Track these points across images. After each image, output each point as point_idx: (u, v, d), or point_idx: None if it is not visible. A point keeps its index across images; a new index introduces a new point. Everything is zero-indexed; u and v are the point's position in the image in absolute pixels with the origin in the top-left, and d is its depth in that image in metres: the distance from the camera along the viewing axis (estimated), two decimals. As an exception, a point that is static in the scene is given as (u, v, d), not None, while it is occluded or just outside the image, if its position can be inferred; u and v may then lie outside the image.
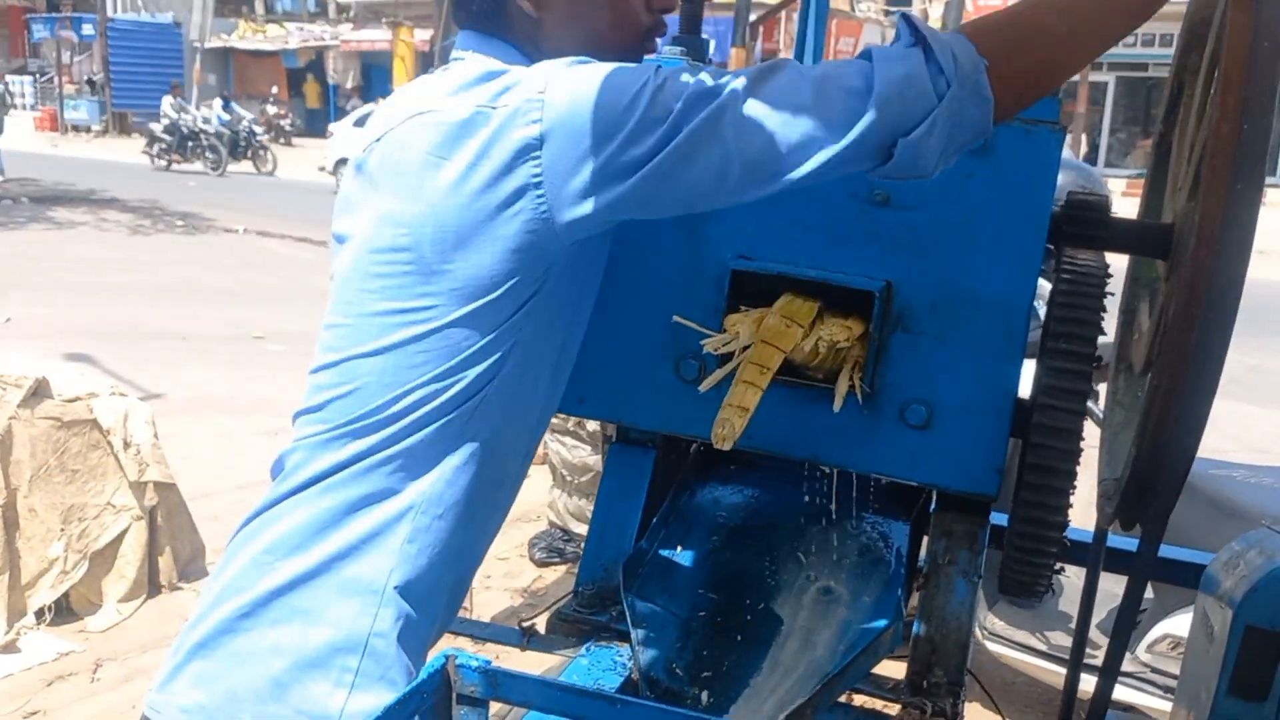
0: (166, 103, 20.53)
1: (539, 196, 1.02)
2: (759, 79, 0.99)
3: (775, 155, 0.99)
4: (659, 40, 1.24)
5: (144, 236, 13.13)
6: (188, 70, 27.80)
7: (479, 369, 1.09)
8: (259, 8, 31.02)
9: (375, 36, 25.67)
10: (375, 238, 1.09)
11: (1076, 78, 21.44)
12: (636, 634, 1.23)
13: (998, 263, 1.19)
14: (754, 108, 0.98)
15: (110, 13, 28.79)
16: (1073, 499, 1.23)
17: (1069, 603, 3.50)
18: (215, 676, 1.12)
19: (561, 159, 1.00)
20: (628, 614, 1.24)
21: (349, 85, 27.84)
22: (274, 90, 28.41)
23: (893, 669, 1.30)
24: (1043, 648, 3.26)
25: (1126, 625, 1.28)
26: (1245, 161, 0.99)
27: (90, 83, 28.32)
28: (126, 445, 3.67)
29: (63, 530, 3.58)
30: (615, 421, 1.37)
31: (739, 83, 0.99)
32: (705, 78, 1.01)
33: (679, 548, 1.36)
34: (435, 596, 1.16)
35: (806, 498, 1.38)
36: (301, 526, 1.12)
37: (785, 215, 1.25)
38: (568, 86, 1.01)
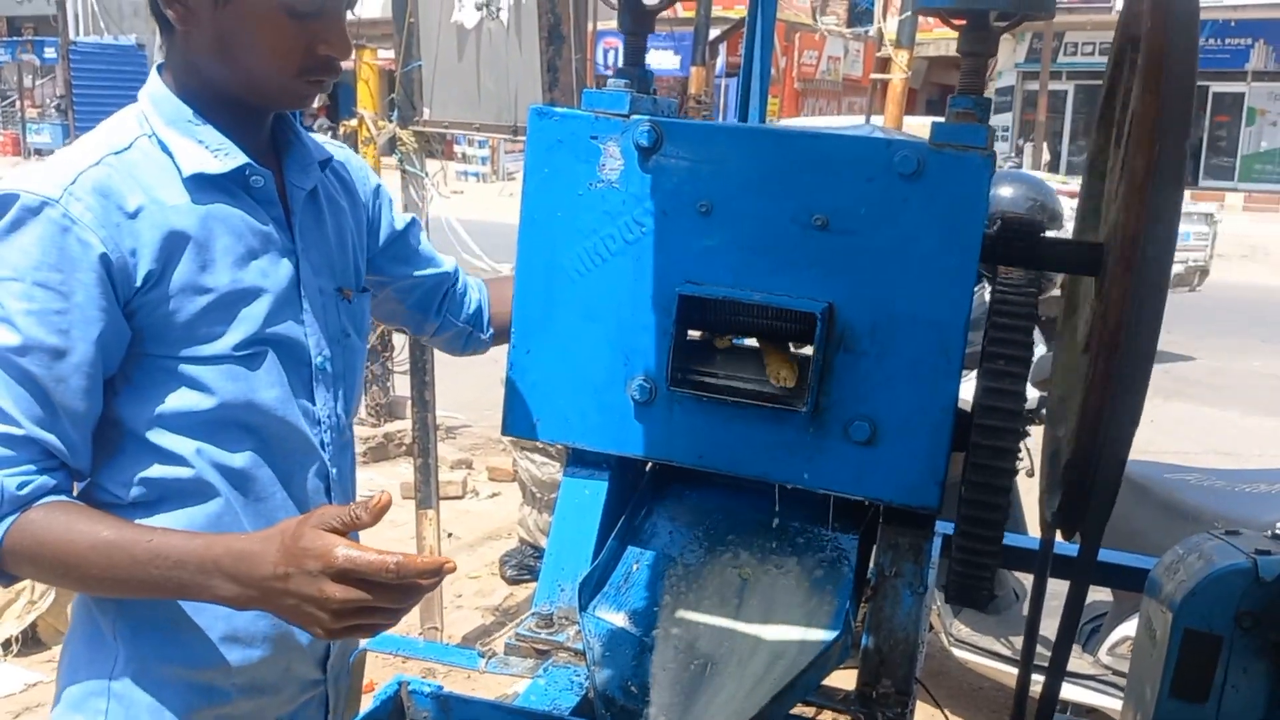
0: None
1: None
2: None
3: None
4: (329, 82, 1.36)
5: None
6: (152, 92, 27.58)
7: None
8: (223, 29, 30.84)
9: (341, 55, 25.57)
10: None
11: (1035, 86, 21.83)
12: (593, 653, 1.25)
13: (932, 284, 1.23)
14: None
15: (72, 35, 28.56)
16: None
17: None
18: None
19: None
20: (584, 633, 1.27)
21: (315, 104, 27.77)
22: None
23: (844, 680, 1.33)
24: (1008, 653, 3.31)
25: (1070, 628, 1.33)
26: (1162, 184, 1.04)
27: (60, 110, 28.11)
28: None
29: (29, 561, 3.56)
30: (568, 444, 1.39)
31: None
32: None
33: (635, 566, 1.39)
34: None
35: (758, 515, 1.41)
36: None
37: (730, 241, 1.29)
38: None
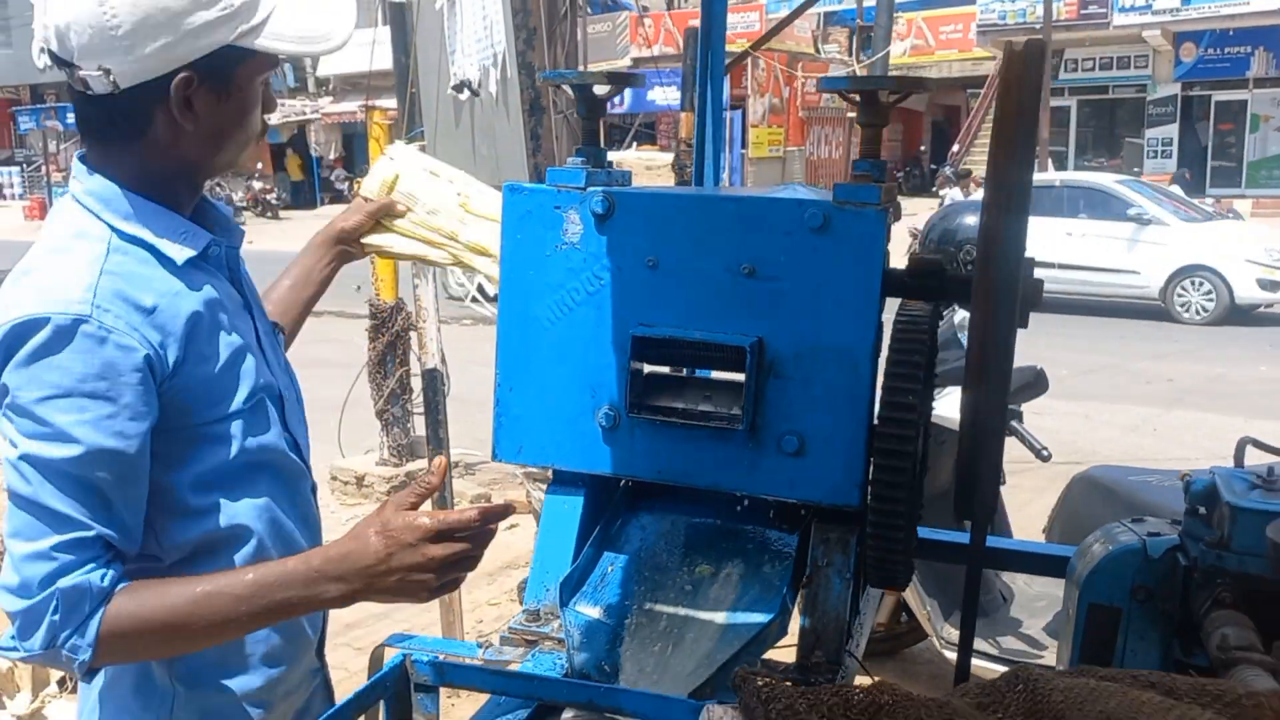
0: None
1: None
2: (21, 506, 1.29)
3: None
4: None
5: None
6: (172, 151, 28.23)
7: None
8: (239, 86, 31.54)
9: (355, 107, 26.21)
10: None
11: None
12: (572, 640, 1.49)
13: (842, 317, 1.47)
14: None
15: (93, 100, 29.25)
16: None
17: (1019, 609, 3.75)
18: None
19: None
20: (565, 625, 1.51)
21: (331, 156, 28.33)
22: (259, 166, 28.89)
23: (787, 655, 1.56)
24: (995, 652, 3.51)
25: (971, 606, 1.55)
26: (1008, 213, 1.28)
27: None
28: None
29: (79, 604, 3.82)
30: (548, 465, 1.64)
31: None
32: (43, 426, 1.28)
33: (610, 568, 1.62)
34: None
35: (713, 520, 1.65)
36: None
37: (674, 289, 1.53)
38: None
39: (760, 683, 0.96)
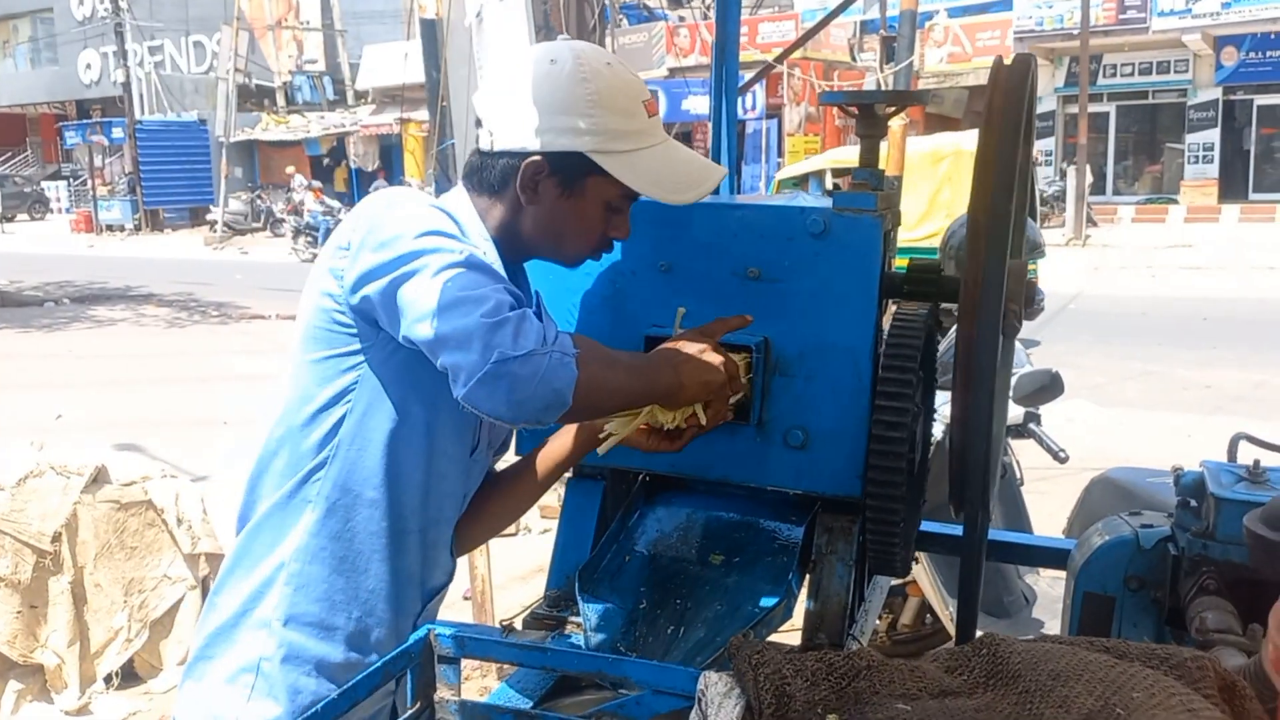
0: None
1: (339, 276, 1.43)
2: (459, 273, 1.35)
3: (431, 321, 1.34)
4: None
5: (180, 329, 13.70)
6: (215, 165, 28.79)
7: (320, 430, 1.49)
8: (280, 100, 32.07)
9: (392, 119, 26.55)
10: None
11: (1076, 109, 21.92)
12: (589, 623, 1.58)
13: (842, 318, 1.55)
14: (438, 281, 1.34)
15: (138, 115, 29.91)
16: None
17: (1041, 610, 3.80)
18: (190, 694, 1.59)
19: (352, 257, 1.41)
20: (582, 610, 1.60)
21: (370, 168, 28.71)
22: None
23: (793, 638, 1.64)
24: (1017, 652, 3.56)
25: (971, 595, 1.62)
26: (991, 240, 1.36)
27: (129, 186, 29.31)
28: (179, 521, 4.06)
29: (125, 602, 3.96)
30: (568, 460, 1.73)
31: (445, 259, 1.36)
32: (438, 246, 1.37)
33: (626, 558, 1.71)
34: (329, 626, 1.54)
35: (725, 512, 1.74)
36: (230, 567, 1.57)
37: (685, 292, 1.63)
38: (371, 213, 1.44)
39: (751, 650, 1.05)
